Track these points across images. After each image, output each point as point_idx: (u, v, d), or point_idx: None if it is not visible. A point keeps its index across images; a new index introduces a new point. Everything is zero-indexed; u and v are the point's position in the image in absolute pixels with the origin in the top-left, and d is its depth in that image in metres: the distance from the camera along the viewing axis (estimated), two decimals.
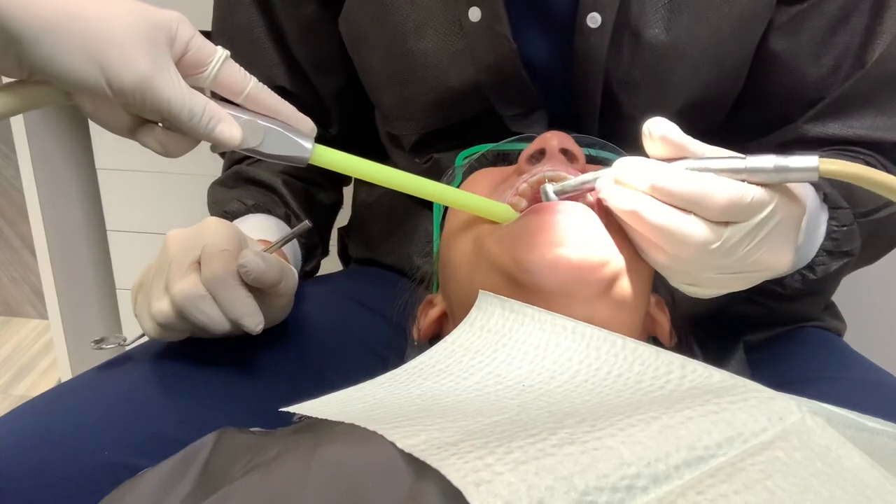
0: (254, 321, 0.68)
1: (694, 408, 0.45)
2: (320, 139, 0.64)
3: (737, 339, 0.86)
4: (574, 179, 0.64)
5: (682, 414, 0.45)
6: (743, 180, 0.58)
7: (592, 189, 0.63)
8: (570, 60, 0.78)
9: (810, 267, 0.72)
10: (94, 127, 1.47)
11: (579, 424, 0.43)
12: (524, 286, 0.61)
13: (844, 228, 0.71)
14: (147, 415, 0.74)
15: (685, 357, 0.52)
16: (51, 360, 1.96)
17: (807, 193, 0.64)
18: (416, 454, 0.40)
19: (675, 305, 0.75)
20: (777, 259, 0.62)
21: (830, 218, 0.71)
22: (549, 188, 0.64)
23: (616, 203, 0.60)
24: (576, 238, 0.62)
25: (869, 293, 1.29)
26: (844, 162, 0.58)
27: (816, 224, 0.69)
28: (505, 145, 0.78)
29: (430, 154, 0.88)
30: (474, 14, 0.76)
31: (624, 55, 0.76)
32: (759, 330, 0.89)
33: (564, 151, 0.69)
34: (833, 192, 0.71)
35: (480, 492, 0.37)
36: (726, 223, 0.58)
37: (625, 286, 0.63)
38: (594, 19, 0.74)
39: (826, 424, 0.47)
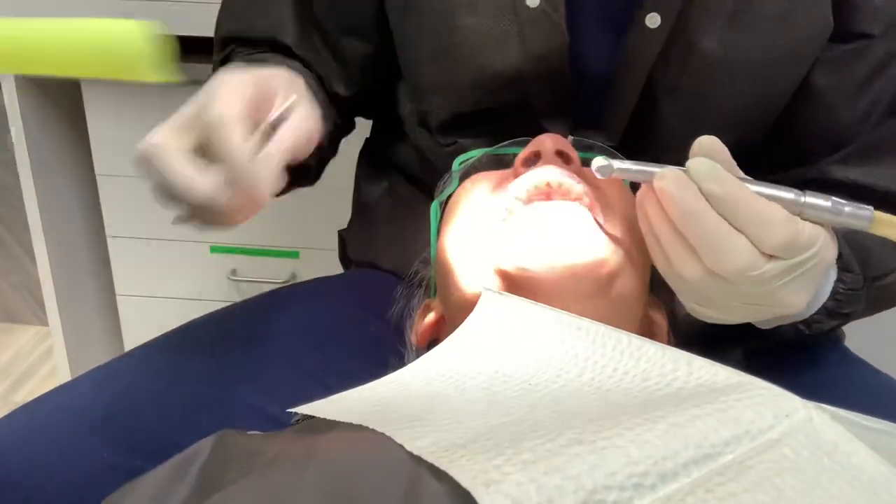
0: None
1: (701, 406, 0.45)
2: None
3: (737, 346, 0.86)
4: (637, 165, 0.61)
5: (689, 412, 0.45)
6: (797, 213, 0.58)
7: (649, 178, 0.60)
8: (618, 59, 0.77)
9: (807, 323, 0.72)
10: (93, 133, 1.47)
11: (587, 424, 0.43)
12: (521, 285, 0.61)
13: (850, 292, 0.70)
14: (146, 417, 0.74)
15: (691, 354, 0.52)
16: (51, 366, 1.96)
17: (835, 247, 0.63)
18: (425, 456, 0.41)
19: (673, 307, 0.75)
20: (797, 299, 0.61)
21: (838, 279, 0.70)
22: (616, 164, 0.60)
23: (679, 199, 0.57)
24: (573, 237, 0.62)
25: None
26: None
27: (823, 282, 0.69)
28: (501, 149, 0.77)
29: (454, 138, 0.87)
30: (532, 0, 0.76)
31: (672, 61, 0.76)
32: (759, 337, 0.88)
33: (560, 154, 0.69)
34: (849, 255, 0.70)
35: (490, 492, 0.37)
36: (771, 255, 0.58)
37: (621, 286, 0.64)
38: (654, 19, 0.73)
39: (832, 420, 0.47)
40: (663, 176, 0.58)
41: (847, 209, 0.58)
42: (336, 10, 0.88)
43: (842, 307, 0.70)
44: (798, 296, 0.61)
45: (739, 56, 0.76)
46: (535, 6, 0.75)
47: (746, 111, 0.79)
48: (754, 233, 0.57)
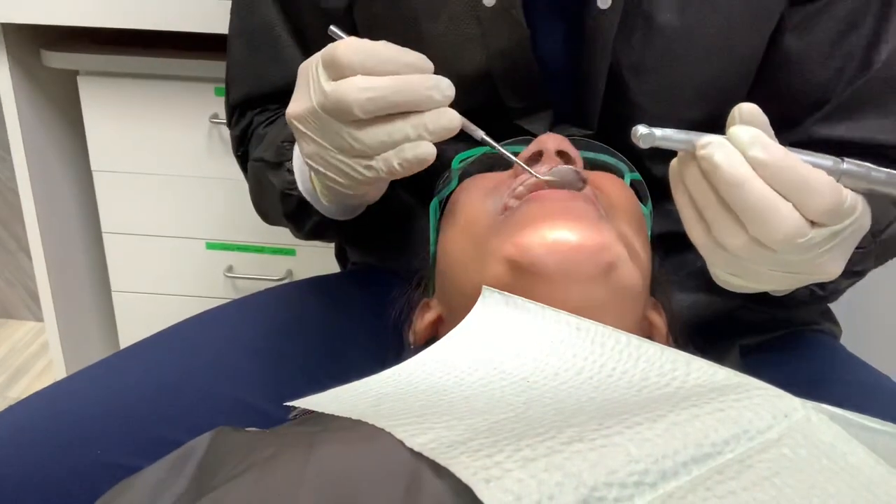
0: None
1: (700, 405, 0.45)
2: None
3: (733, 343, 0.86)
4: (679, 133, 0.59)
5: (688, 412, 0.45)
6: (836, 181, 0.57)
7: (691, 147, 0.58)
8: (579, 48, 0.78)
9: (821, 285, 0.72)
10: (89, 128, 1.47)
11: (587, 423, 0.43)
12: (524, 270, 0.61)
13: (860, 250, 0.70)
14: (141, 415, 0.74)
15: (689, 355, 0.52)
16: (46, 362, 1.96)
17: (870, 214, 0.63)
18: (426, 453, 0.41)
19: (672, 309, 0.75)
20: (834, 267, 0.61)
21: None
22: (658, 131, 0.58)
23: (726, 165, 0.56)
24: (575, 222, 0.62)
25: (864, 296, 1.30)
26: None
27: None
28: (501, 148, 0.78)
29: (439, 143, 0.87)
30: None
31: (635, 40, 0.76)
32: (755, 334, 0.89)
33: (561, 154, 0.69)
34: None
35: (491, 488, 0.37)
36: (813, 222, 0.57)
37: (623, 273, 0.63)
38: (604, 1, 0.74)
39: (830, 421, 0.47)
40: (708, 143, 0.56)
41: (884, 176, 0.57)
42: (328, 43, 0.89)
43: (854, 265, 0.70)
44: (837, 263, 0.61)
45: (697, 26, 0.76)
46: (492, 5, 0.75)
47: (714, 82, 0.79)
48: (800, 199, 0.55)
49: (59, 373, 1.64)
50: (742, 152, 0.56)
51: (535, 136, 0.74)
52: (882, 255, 0.78)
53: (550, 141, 0.69)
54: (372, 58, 0.62)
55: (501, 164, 0.77)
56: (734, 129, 0.57)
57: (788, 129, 0.81)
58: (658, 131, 0.58)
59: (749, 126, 0.57)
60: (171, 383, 0.77)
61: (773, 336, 0.90)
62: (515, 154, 0.71)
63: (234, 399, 0.78)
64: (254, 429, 0.54)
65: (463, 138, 0.84)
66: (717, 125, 0.60)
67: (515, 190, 0.68)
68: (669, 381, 0.50)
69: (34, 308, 2.09)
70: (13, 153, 1.48)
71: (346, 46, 0.62)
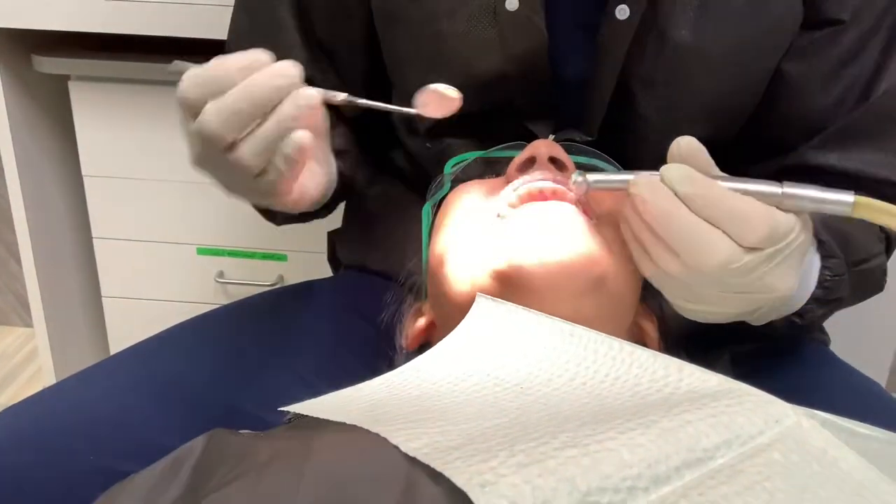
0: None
1: (692, 411, 0.46)
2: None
3: (724, 350, 0.87)
4: (613, 175, 0.64)
5: (680, 417, 0.45)
6: (776, 205, 0.59)
7: (625, 186, 0.62)
8: (593, 55, 0.78)
9: (799, 314, 0.72)
10: (80, 133, 1.46)
11: (580, 428, 0.44)
12: (514, 283, 0.62)
13: (836, 278, 0.71)
14: (132, 419, 0.74)
15: (681, 361, 0.53)
16: (35, 368, 1.95)
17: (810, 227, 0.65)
18: (420, 458, 0.41)
19: (663, 316, 0.75)
20: (784, 283, 0.62)
21: (823, 267, 0.71)
22: (591, 177, 0.63)
23: (653, 200, 0.59)
24: (565, 236, 0.63)
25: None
26: (880, 202, 0.59)
27: (809, 271, 0.70)
28: (494, 153, 0.78)
29: (442, 140, 0.87)
30: (511, 3, 0.76)
31: (647, 53, 0.77)
32: (746, 341, 0.89)
33: (554, 160, 0.69)
34: (829, 241, 0.71)
35: (486, 493, 0.38)
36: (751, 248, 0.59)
37: (613, 286, 0.64)
38: (623, 11, 0.74)
39: (821, 427, 0.48)
40: (636, 182, 0.60)
41: (827, 195, 0.59)
42: (335, 32, 0.88)
43: (830, 294, 0.72)
44: (785, 280, 0.62)
45: (711, 46, 0.76)
46: (514, 9, 0.76)
47: (722, 101, 0.80)
48: (731, 228, 0.58)
49: (48, 379, 1.63)
50: (671, 189, 0.59)
51: (534, 138, 0.74)
52: (859, 287, 0.78)
53: (544, 147, 0.70)
54: (212, 81, 0.61)
55: (494, 169, 0.77)
56: (664, 168, 0.60)
57: (783, 154, 0.82)
58: (591, 176, 0.63)
59: (679, 164, 0.60)
60: (162, 388, 0.77)
61: (764, 344, 0.90)
62: (507, 160, 0.72)
63: (226, 403, 0.78)
64: (248, 431, 0.54)
65: (460, 138, 0.85)
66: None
67: (508, 196, 0.68)
68: (662, 387, 0.50)
69: (23, 314, 2.08)
70: (3, 158, 1.47)
71: (188, 82, 0.61)
